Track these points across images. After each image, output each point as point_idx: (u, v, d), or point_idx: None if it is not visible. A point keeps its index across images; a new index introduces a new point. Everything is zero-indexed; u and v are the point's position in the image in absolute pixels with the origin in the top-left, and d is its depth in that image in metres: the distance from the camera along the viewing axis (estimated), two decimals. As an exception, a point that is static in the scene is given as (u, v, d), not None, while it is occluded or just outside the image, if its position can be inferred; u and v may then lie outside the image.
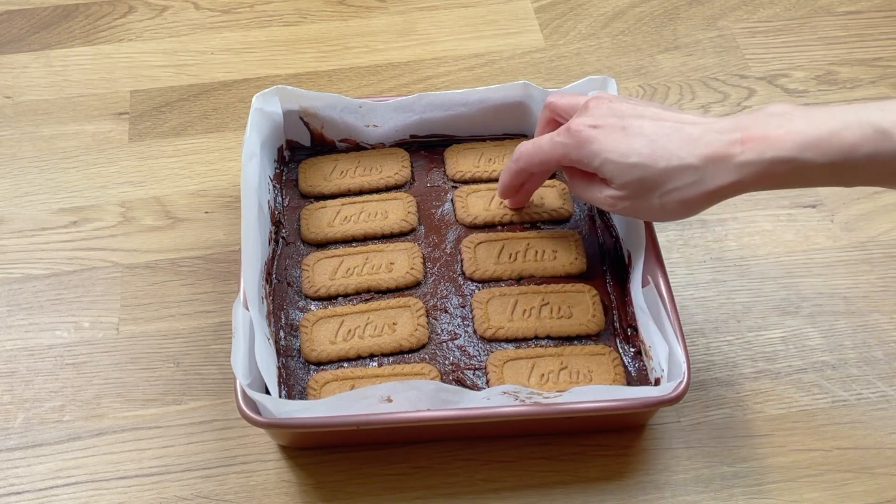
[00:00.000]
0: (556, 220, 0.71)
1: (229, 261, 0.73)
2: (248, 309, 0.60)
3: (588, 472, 0.62)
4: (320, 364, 0.64)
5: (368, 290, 0.67)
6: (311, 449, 0.63)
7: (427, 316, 0.66)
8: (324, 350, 0.64)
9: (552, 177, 0.74)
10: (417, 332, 0.64)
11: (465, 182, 0.74)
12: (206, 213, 0.76)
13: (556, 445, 0.63)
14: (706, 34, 0.90)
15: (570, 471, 0.62)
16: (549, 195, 0.72)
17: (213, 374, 0.67)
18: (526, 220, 0.71)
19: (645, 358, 0.63)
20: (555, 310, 0.65)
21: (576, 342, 0.64)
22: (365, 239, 0.70)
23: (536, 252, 0.69)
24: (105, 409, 0.65)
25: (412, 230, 0.71)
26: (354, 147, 0.76)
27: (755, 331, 0.69)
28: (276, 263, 0.69)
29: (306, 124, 0.75)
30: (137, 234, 0.75)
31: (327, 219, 0.71)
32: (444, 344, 0.64)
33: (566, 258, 0.68)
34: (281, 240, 0.71)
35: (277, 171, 0.74)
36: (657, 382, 0.60)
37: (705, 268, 0.72)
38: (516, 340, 0.64)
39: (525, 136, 0.76)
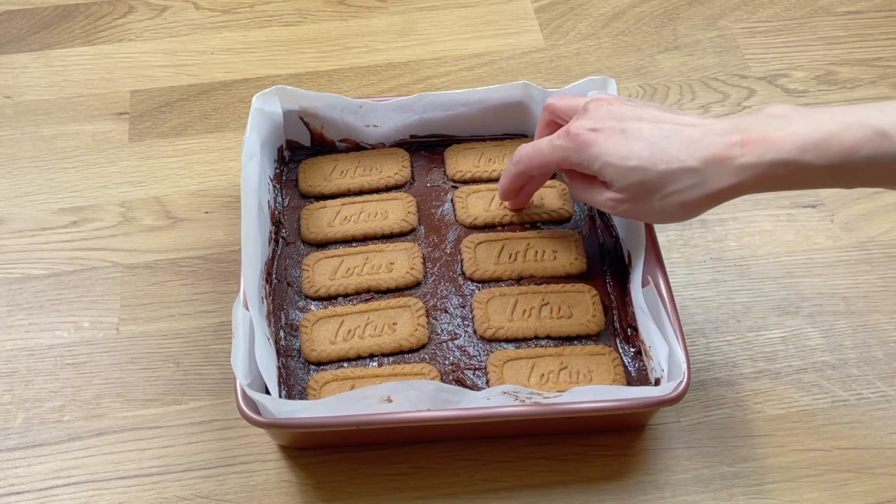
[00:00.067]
0: (556, 221, 0.71)
1: (229, 261, 0.73)
2: (248, 309, 0.60)
3: (588, 472, 0.62)
4: (320, 364, 0.64)
5: (368, 290, 0.67)
6: (311, 449, 0.63)
7: (427, 316, 0.66)
8: (324, 350, 0.64)
9: (552, 177, 0.74)
10: (417, 332, 0.64)
11: (465, 182, 0.74)
12: (206, 213, 0.76)
13: (556, 445, 0.63)
14: (706, 34, 0.90)
15: (570, 471, 0.62)
16: (549, 196, 0.72)
17: (213, 374, 0.67)
18: (526, 220, 0.71)
19: (645, 358, 0.63)
20: (555, 310, 0.65)
21: (576, 342, 0.64)
22: (365, 239, 0.70)
23: (536, 252, 0.69)
24: (105, 409, 0.65)
25: (412, 230, 0.71)
26: (354, 147, 0.76)
27: (755, 331, 0.69)
28: (276, 263, 0.69)
29: (306, 124, 0.75)
30: (137, 234, 0.75)
31: (327, 219, 0.71)
32: (444, 344, 0.64)
33: (566, 258, 0.68)
34: (281, 240, 0.71)
35: (277, 171, 0.74)
36: (657, 382, 0.60)
37: (705, 268, 0.72)
38: (516, 340, 0.64)
39: (525, 136, 0.76)
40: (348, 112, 0.74)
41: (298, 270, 0.69)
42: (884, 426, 0.64)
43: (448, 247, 0.70)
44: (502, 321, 0.65)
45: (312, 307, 0.67)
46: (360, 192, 0.73)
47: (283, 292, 0.67)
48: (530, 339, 0.65)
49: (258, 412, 0.56)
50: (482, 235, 0.70)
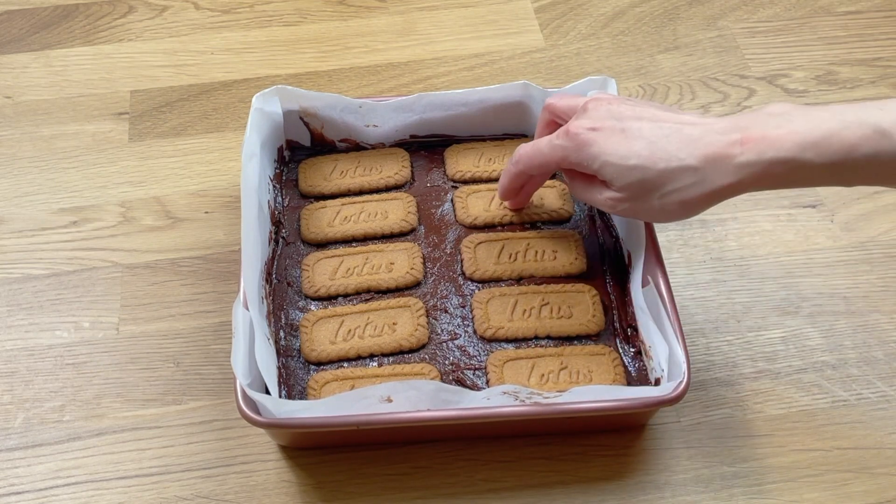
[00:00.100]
0: (556, 221, 0.71)
1: (229, 261, 0.73)
2: (248, 309, 0.60)
3: (588, 472, 0.62)
4: (320, 364, 0.64)
5: (368, 290, 0.67)
6: (311, 449, 0.63)
7: (427, 316, 0.66)
8: (324, 350, 0.64)
9: (552, 177, 0.74)
10: (417, 332, 0.64)
11: (465, 182, 0.74)
12: (206, 213, 0.76)
13: (556, 445, 0.63)
14: (706, 34, 0.90)
15: (570, 471, 0.62)
16: (549, 196, 0.72)
17: (213, 374, 0.67)
18: (526, 220, 0.71)
19: (645, 358, 0.63)
20: (555, 310, 0.65)
21: (576, 342, 0.64)
22: (365, 239, 0.70)
23: (536, 252, 0.69)
24: (105, 409, 0.65)
25: (412, 230, 0.71)
26: (354, 147, 0.76)
27: (755, 331, 0.69)
28: (276, 263, 0.69)
29: (306, 124, 0.75)
30: (137, 234, 0.75)
31: (327, 219, 0.71)
32: (444, 344, 0.64)
33: (566, 258, 0.68)
34: (281, 240, 0.71)
35: (277, 171, 0.74)
36: (657, 382, 0.60)
37: (705, 268, 0.72)
38: (516, 340, 0.64)
39: (525, 136, 0.76)
40: (348, 112, 0.74)
41: (298, 270, 0.69)
42: (884, 426, 0.64)
43: (448, 247, 0.70)
44: (502, 321, 0.65)
45: (312, 307, 0.67)
46: (360, 192, 0.73)
47: (283, 292, 0.67)
48: (530, 339, 0.65)
49: (258, 412, 0.56)
50: (482, 235, 0.70)
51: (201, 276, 0.72)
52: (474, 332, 0.65)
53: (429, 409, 0.57)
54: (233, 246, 0.74)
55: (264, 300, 0.64)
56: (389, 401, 0.56)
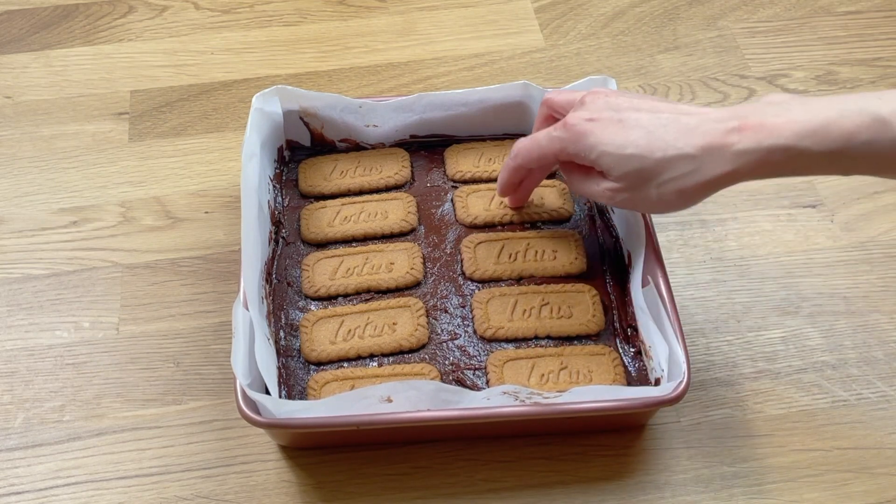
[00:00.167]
0: (556, 220, 0.71)
1: (229, 261, 0.73)
2: (248, 309, 0.60)
3: (588, 472, 0.62)
4: (320, 364, 0.64)
5: (368, 290, 0.67)
6: (311, 449, 0.63)
7: (427, 316, 0.66)
8: (324, 350, 0.64)
9: (552, 176, 0.74)
10: (417, 332, 0.64)
11: (465, 182, 0.74)
12: (206, 213, 0.76)
13: (556, 445, 0.63)
14: (706, 34, 0.90)
15: (570, 471, 0.62)
16: (549, 195, 0.72)
17: (213, 374, 0.67)
18: (526, 219, 0.71)
19: (645, 358, 0.63)
20: (555, 310, 0.65)
21: (576, 342, 0.64)
22: (365, 239, 0.70)
23: (536, 252, 0.69)
24: (105, 409, 0.65)
25: (412, 230, 0.71)
26: (354, 147, 0.76)
27: (755, 331, 0.69)
28: (276, 263, 0.69)
29: (306, 124, 0.75)
30: (137, 234, 0.75)
31: (327, 219, 0.71)
32: (444, 344, 0.64)
33: (566, 258, 0.68)
34: (281, 240, 0.71)
35: (277, 171, 0.74)
36: (657, 382, 0.60)
37: (705, 268, 0.72)
38: (516, 340, 0.64)
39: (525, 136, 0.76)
40: (348, 112, 0.74)
41: (298, 270, 0.69)
42: (884, 426, 0.64)
43: (448, 247, 0.70)
44: (502, 321, 0.65)
45: (312, 307, 0.67)
46: (360, 192, 0.73)
47: (283, 292, 0.67)
48: (530, 339, 0.65)
49: (258, 412, 0.56)
50: (482, 235, 0.70)
51: (201, 276, 0.72)
52: (474, 332, 0.65)
53: (429, 409, 0.57)
54: (233, 246, 0.74)
55: (264, 300, 0.64)
56: (389, 401, 0.56)
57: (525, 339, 0.65)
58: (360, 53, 0.89)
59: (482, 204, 0.72)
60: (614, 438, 0.63)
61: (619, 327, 0.65)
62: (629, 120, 0.57)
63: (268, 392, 0.59)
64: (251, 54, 0.89)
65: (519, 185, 0.68)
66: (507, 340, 0.64)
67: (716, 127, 0.55)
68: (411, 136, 0.76)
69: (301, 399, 0.62)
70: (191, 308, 0.70)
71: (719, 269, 0.72)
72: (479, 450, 0.63)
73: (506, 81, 0.75)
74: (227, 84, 0.86)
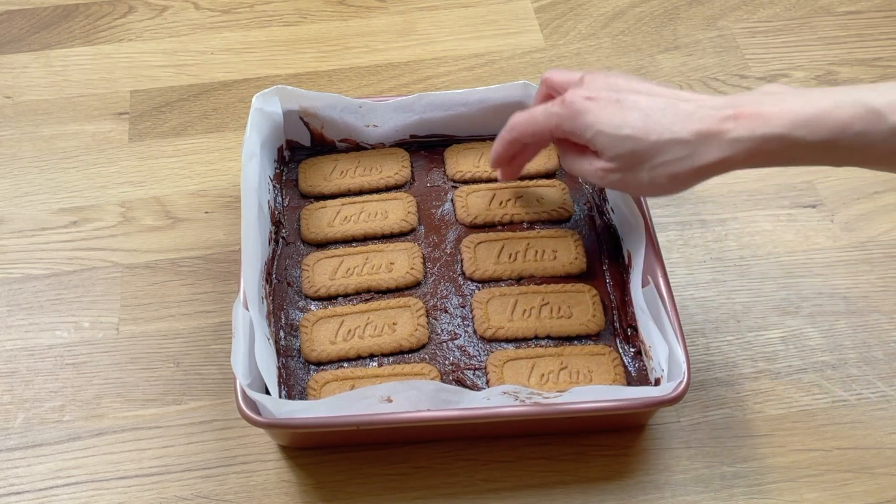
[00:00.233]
0: (556, 220, 0.71)
1: (229, 261, 0.73)
2: (248, 309, 0.60)
3: (588, 472, 0.62)
4: (320, 364, 0.64)
5: (368, 290, 0.67)
6: (311, 449, 0.63)
7: (427, 316, 0.66)
8: (324, 350, 0.64)
9: (552, 176, 0.74)
10: (417, 332, 0.64)
11: (465, 182, 0.74)
12: (206, 213, 0.76)
13: (556, 445, 0.63)
14: (706, 34, 0.90)
15: (570, 471, 0.62)
16: (550, 195, 0.72)
17: (213, 374, 0.67)
18: (526, 219, 0.71)
19: (645, 358, 0.63)
20: (555, 310, 0.65)
21: (576, 342, 0.64)
22: (365, 239, 0.70)
23: (536, 252, 0.69)
24: (105, 409, 0.65)
25: (412, 230, 0.71)
26: (354, 147, 0.76)
27: (755, 331, 0.69)
28: (276, 263, 0.69)
29: (306, 124, 0.75)
30: (137, 234, 0.75)
31: (327, 219, 0.71)
32: (444, 344, 0.64)
33: (566, 258, 0.68)
34: (281, 240, 0.71)
35: (277, 171, 0.74)
36: (657, 382, 0.60)
37: (705, 268, 0.72)
38: (516, 340, 0.64)
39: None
40: (348, 112, 0.74)
41: (298, 270, 0.69)
42: (884, 426, 0.64)
43: (448, 247, 0.70)
44: (502, 321, 0.65)
45: (312, 307, 0.67)
46: (360, 192, 0.73)
47: (283, 292, 0.67)
48: (530, 339, 0.65)
49: (258, 412, 0.56)
50: (482, 235, 0.70)
51: (201, 276, 0.72)
52: (474, 332, 0.65)
53: (429, 409, 0.57)
54: (233, 246, 0.74)
55: (264, 300, 0.64)
56: (389, 401, 0.56)
57: (525, 339, 0.65)
58: (360, 53, 0.89)
59: (482, 204, 0.72)
60: (614, 438, 0.63)
61: (619, 327, 0.65)
62: (627, 101, 0.57)
63: (268, 392, 0.59)
64: (251, 54, 0.89)
65: (512, 158, 0.68)
66: (507, 340, 0.64)
67: (711, 114, 0.55)
68: (411, 136, 0.76)
69: (301, 399, 0.62)
70: (191, 308, 0.70)
71: (719, 269, 0.72)
72: (479, 450, 0.63)
73: (506, 81, 0.75)
74: (227, 84, 0.86)
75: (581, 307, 0.65)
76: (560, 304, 0.65)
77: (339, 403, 0.56)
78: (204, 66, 0.87)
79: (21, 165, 0.80)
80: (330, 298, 0.67)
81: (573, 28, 0.91)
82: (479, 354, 0.64)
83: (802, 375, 0.66)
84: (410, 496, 0.61)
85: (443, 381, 0.62)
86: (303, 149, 0.76)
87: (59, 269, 0.73)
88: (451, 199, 0.73)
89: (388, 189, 0.74)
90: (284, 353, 0.64)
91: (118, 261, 0.73)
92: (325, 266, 0.68)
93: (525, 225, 0.71)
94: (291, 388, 0.63)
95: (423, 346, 0.64)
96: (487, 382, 0.62)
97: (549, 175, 0.74)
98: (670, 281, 0.63)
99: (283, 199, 0.73)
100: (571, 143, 0.61)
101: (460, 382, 0.63)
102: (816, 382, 0.66)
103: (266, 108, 0.71)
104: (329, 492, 0.61)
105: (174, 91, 0.85)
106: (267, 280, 0.66)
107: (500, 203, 0.71)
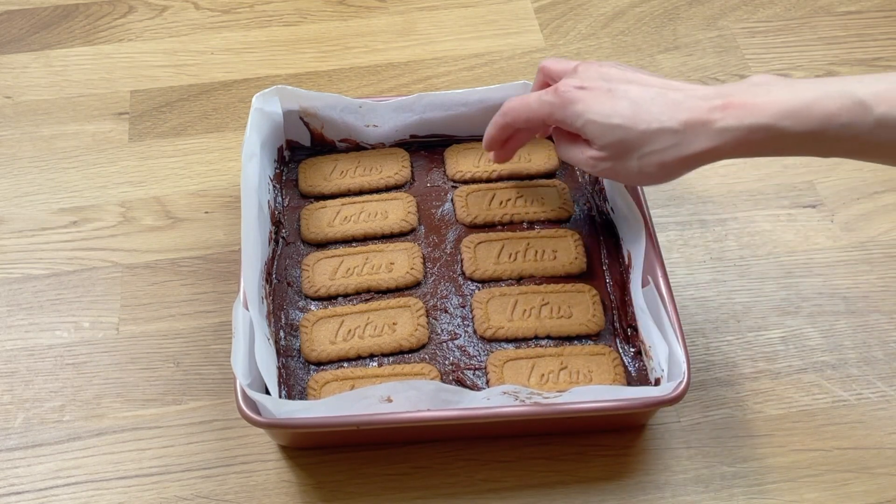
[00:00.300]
0: (556, 220, 0.71)
1: (229, 261, 0.73)
2: (248, 309, 0.60)
3: (588, 472, 0.62)
4: (320, 364, 0.64)
5: (368, 290, 0.67)
6: (311, 449, 0.63)
7: (427, 316, 0.66)
8: (324, 350, 0.64)
9: (552, 176, 0.74)
10: (417, 332, 0.64)
11: (465, 182, 0.74)
12: (206, 213, 0.76)
13: (556, 445, 0.63)
14: (706, 34, 0.90)
15: (570, 471, 0.62)
16: (550, 195, 0.72)
17: (213, 374, 0.67)
18: (526, 219, 0.71)
19: (645, 358, 0.63)
20: (555, 310, 0.65)
21: (576, 342, 0.64)
22: (365, 239, 0.70)
23: (536, 252, 0.69)
24: (105, 409, 0.65)
25: (412, 230, 0.71)
26: (354, 147, 0.76)
27: (755, 331, 0.69)
28: (276, 263, 0.69)
29: (306, 124, 0.75)
30: (137, 234, 0.75)
31: (327, 219, 0.71)
32: (444, 344, 0.64)
33: (566, 258, 0.68)
34: (281, 240, 0.71)
35: (277, 171, 0.74)
36: (657, 382, 0.60)
37: (705, 268, 0.72)
38: (516, 340, 0.64)
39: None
40: (348, 112, 0.74)
41: (298, 270, 0.69)
42: (884, 426, 0.64)
43: (448, 247, 0.70)
44: (502, 321, 0.65)
45: (312, 307, 0.67)
46: (360, 192, 0.73)
47: (283, 292, 0.67)
48: (530, 339, 0.65)
49: (258, 412, 0.56)
50: (482, 235, 0.70)
51: (201, 276, 0.72)
52: (474, 332, 0.65)
53: (429, 409, 0.57)
54: (233, 246, 0.74)
55: (264, 300, 0.64)
56: (389, 401, 0.56)
57: (525, 339, 0.65)
58: (360, 53, 0.89)
59: (482, 204, 0.72)
60: (614, 438, 0.63)
61: (619, 327, 0.65)
62: (618, 91, 0.58)
63: (268, 392, 0.59)
64: (251, 54, 0.89)
65: (505, 142, 0.68)
66: (507, 340, 0.64)
67: (700, 104, 0.56)
68: (411, 136, 0.76)
69: (301, 399, 0.62)
70: (191, 308, 0.70)
71: (719, 269, 0.72)
72: (479, 450, 0.63)
73: (506, 81, 0.75)
74: (227, 84, 0.86)
75: (581, 307, 0.65)
76: (560, 304, 0.66)
77: (338, 403, 0.56)
78: (204, 66, 0.87)
79: (21, 165, 0.80)
80: (330, 298, 0.67)
81: (573, 28, 0.91)
82: (479, 354, 0.64)
83: (802, 375, 0.66)
84: (410, 496, 0.61)
85: (443, 381, 0.62)
86: (303, 149, 0.76)
87: (59, 269, 0.73)
88: (451, 199, 0.73)
89: (388, 189, 0.74)
90: (284, 353, 0.64)
91: (118, 261, 0.73)
92: (325, 266, 0.68)
93: (525, 225, 0.71)
94: (291, 388, 0.63)
95: (423, 346, 0.64)
96: (487, 382, 0.62)
97: (549, 175, 0.74)
98: (670, 281, 0.63)
99: (283, 199, 0.73)
100: (565, 131, 0.62)
101: (460, 382, 0.63)
102: (816, 382, 0.66)
103: (266, 108, 0.71)
104: (329, 492, 0.61)
105: (174, 91, 0.85)
106: (267, 280, 0.66)
107: (500, 203, 0.71)
